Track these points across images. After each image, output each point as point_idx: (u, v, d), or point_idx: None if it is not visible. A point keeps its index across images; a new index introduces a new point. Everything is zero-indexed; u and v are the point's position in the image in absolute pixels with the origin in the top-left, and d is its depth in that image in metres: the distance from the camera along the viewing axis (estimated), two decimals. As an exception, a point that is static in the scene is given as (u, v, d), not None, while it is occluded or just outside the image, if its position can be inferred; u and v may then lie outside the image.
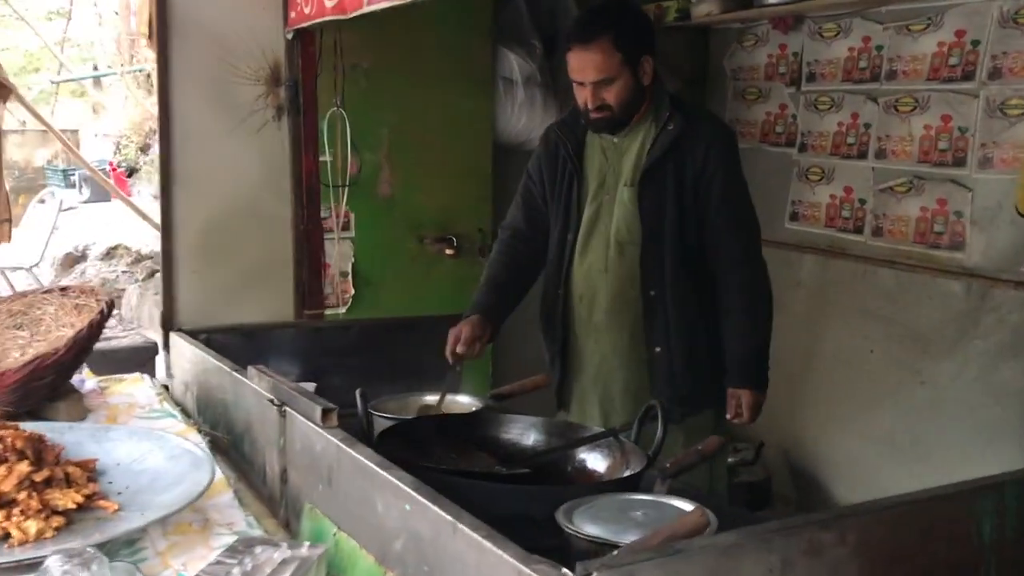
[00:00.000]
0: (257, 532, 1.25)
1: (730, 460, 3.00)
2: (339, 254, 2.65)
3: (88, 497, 1.20)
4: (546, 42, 2.92)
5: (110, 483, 1.30)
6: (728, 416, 1.95)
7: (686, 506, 1.23)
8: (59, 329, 1.71)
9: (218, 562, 1.02)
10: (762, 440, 3.22)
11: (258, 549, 1.04)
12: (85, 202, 8.10)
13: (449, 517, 0.91)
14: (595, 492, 1.26)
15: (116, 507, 1.20)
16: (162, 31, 2.07)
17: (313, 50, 2.43)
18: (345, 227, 3.19)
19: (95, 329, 1.59)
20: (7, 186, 4.10)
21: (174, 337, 2.03)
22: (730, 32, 3.35)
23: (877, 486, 2.83)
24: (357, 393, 1.48)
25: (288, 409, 1.33)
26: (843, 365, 3.07)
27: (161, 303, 2.12)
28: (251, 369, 1.50)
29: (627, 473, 1.40)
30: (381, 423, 1.65)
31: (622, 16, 1.88)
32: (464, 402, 1.84)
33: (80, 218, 7.52)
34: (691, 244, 1.94)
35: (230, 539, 1.20)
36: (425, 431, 1.55)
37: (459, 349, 1.86)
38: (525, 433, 1.58)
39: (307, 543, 1.07)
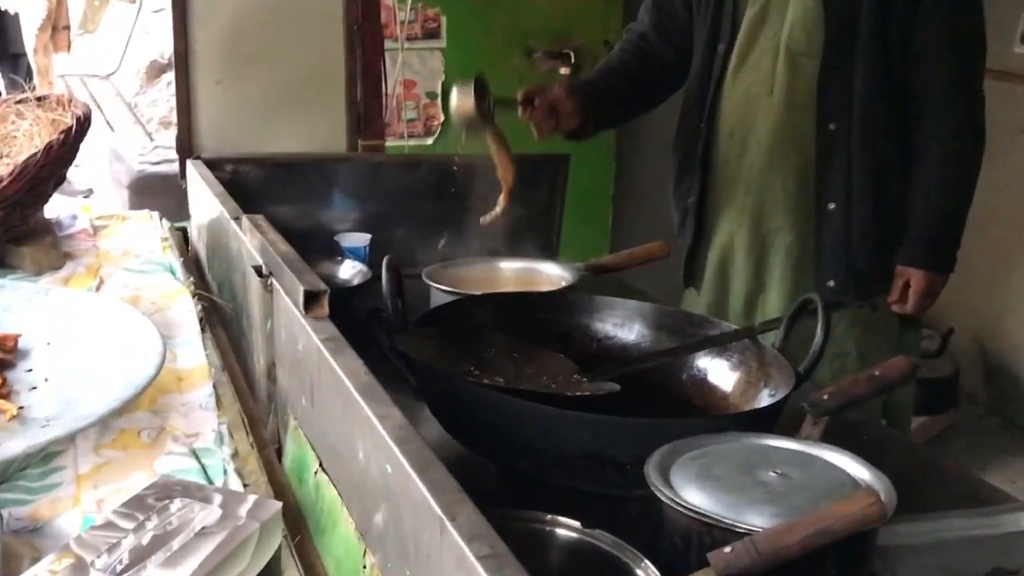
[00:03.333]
0: (220, 455, 1.01)
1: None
2: (428, 69, 2.37)
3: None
4: None
5: (29, 371, 1.09)
6: (889, 300, 1.69)
7: (849, 467, 0.95)
8: (31, 150, 1.46)
9: (107, 523, 0.75)
10: (951, 326, 2.92)
11: (175, 505, 0.77)
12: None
13: (437, 509, 0.61)
14: (711, 429, 1.01)
15: (13, 413, 0.95)
16: None
17: None
18: (432, 33, 2.90)
19: (54, 154, 1.32)
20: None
21: (191, 167, 1.80)
22: None
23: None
24: (384, 264, 1.20)
25: (275, 283, 1.08)
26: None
27: (176, 120, 1.91)
28: (246, 220, 1.26)
29: (764, 401, 1.14)
30: (437, 298, 1.48)
31: None
32: (549, 273, 1.64)
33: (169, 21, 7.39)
34: (893, 63, 1.62)
35: (185, 462, 0.99)
36: (481, 315, 1.32)
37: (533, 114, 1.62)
38: (626, 324, 1.35)
39: (252, 497, 0.79)
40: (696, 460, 0.93)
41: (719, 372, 1.24)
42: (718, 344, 1.25)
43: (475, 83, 1.54)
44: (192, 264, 1.67)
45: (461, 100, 1.54)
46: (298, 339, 0.98)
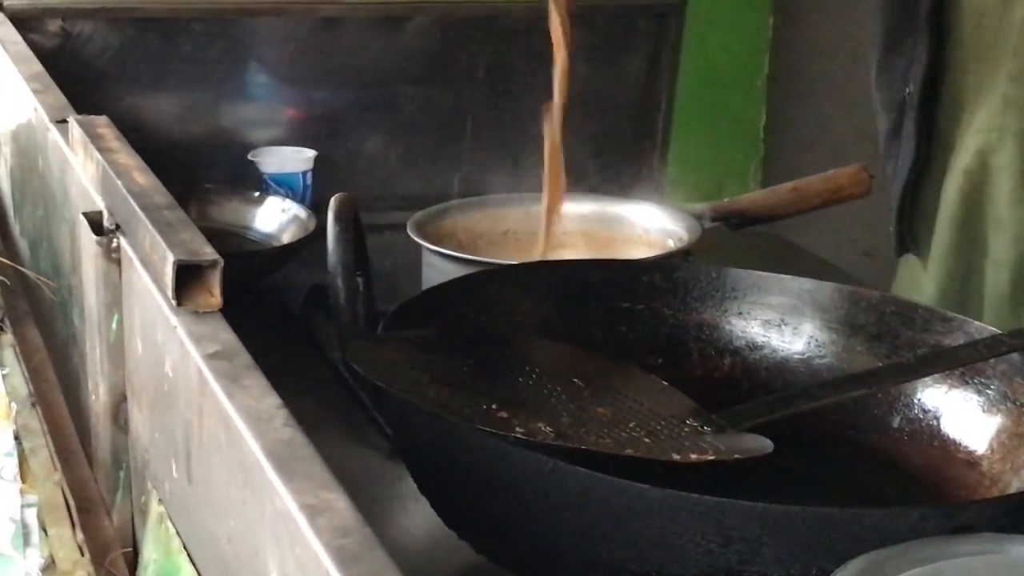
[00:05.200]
0: (22, 567, 1.03)
1: None
2: None
3: None
4: None
5: None
6: None
7: None
8: None
9: None
10: None
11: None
12: None
13: None
14: (947, 527, 1.00)
15: None
16: None
17: None
18: None
19: None
20: None
21: None
22: None
23: None
24: (333, 206, 1.23)
25: (124, 246, 1.10)
26: None
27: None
28: (76, 125, 1.28)
29: None
30: (434, 270, 1.56)
31: None
32: (644, 224, 1.71)
33: None
34: None
35: None
36: (515, 304, 1.37)
37: None
38: (788, 322, 1.40)
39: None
40: (917, 587, 0.94)
41: (963, 415, 1.24)
42: (963, 363, 1.25)
43: None
44: None
45: None
46: (165, 353, 0.98)
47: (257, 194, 1.84)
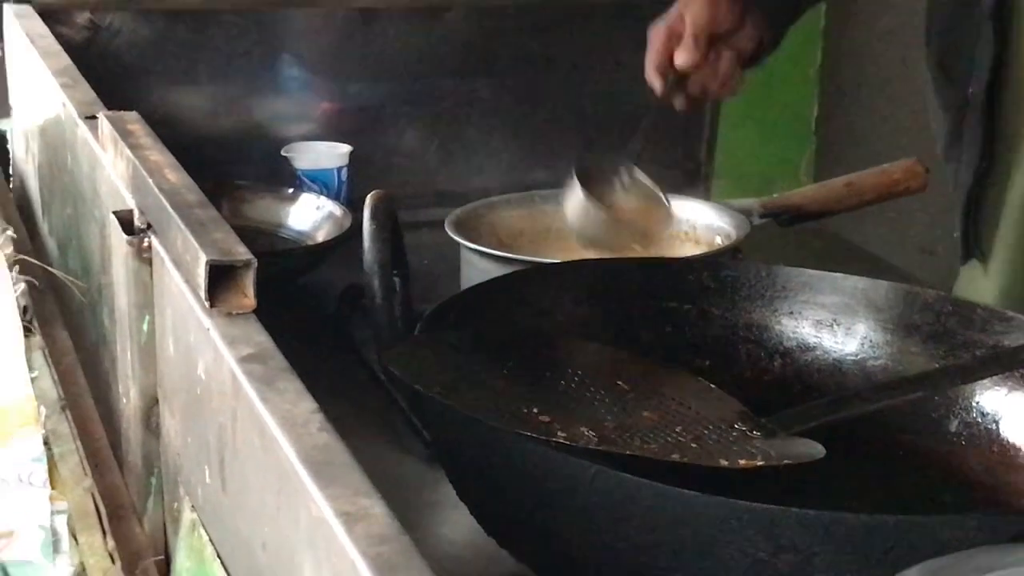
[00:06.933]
0: (50, 573, 1.04)
1: None
2: None
3: None
4: None
5: None
6: None
7: None
8: None
9: None
10: None
11: None
12: None
13: None
14: (1011, 534, 1.01)
15: None
16: None
17: None
18: None
19: None
20: None
21: (10, 16, 1.88)
22: None
23: None
24: (369, 203, 1.24)
25: (156, 246, 1.10)
26: None
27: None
28: (106, 121, 1.29)
29: None
30: (474, 269, 1.57)
31: None
32: (692, 220, 1.74)
33: None
34: None
35: None
36: (556, 303, 1.39)
37: (677, 59, 1.71)
38: (841, 323, 1.42)
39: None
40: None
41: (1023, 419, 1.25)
42: (1022, 365, 1.25)
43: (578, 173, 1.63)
44: (14, 204, 1.73)
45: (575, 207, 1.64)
46: (198, 355, 0.99)
47: (291, 191, 1.85)
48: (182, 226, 1.02)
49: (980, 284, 1.85)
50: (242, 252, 0.97)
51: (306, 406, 0.84)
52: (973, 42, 1.83)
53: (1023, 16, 1.80)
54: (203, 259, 0.95)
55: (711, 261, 1.54)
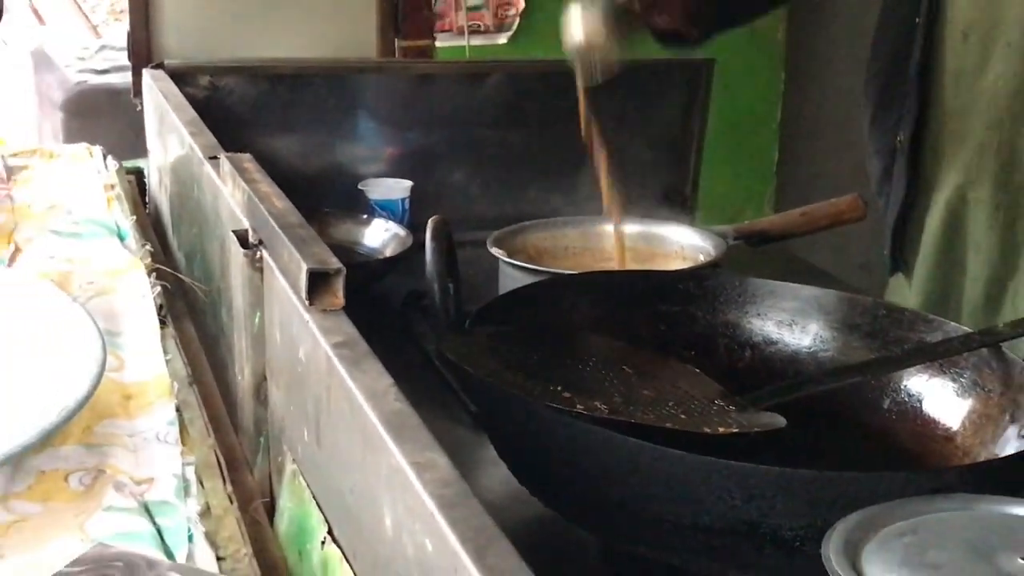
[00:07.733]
0: (183, 512, 1.02)
1: None
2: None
3: None
4: None
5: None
6: None
7: None
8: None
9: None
10: None
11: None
12: None
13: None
14: (928, 488, 1.01)
15: None
16: None
17: None
18: None
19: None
20: None
21: (148, 79, 1.87)
22: None
23: None
24: (431, 226, 1.24)
25: (266, 257, 1.10)
26: None
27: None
28: (226, 160, 1.30)
29: (1012, 446, 1.15)
30: (509, 278, 1.54)
31: None
32: (679, 242, 1.71)
33: None
34: None
35: (133, 522, 0.99)
36: (576, 306, 1.36)
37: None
38: (798, 323, 1.39)
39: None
40: (903, 538, 0.92)
41: (941, 399, 1.24)
42: (941, 356, 1.24)
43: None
44: (150, 225, 1.72)
45: (588, 24, 1.52)
46: (299, 342, 0.99)
47: (365, 216, 1.85)
48: (287, 242, 1.03)
49: (905, 293, 1.84)
50: (334, 262, 0.97)
51: (384, 381, 0.85)
52: (902, 99, 1.81)
53: (944, 77, 1.78)
54: (304, 267, 0.96)
55: (696, 273, 1.54)
